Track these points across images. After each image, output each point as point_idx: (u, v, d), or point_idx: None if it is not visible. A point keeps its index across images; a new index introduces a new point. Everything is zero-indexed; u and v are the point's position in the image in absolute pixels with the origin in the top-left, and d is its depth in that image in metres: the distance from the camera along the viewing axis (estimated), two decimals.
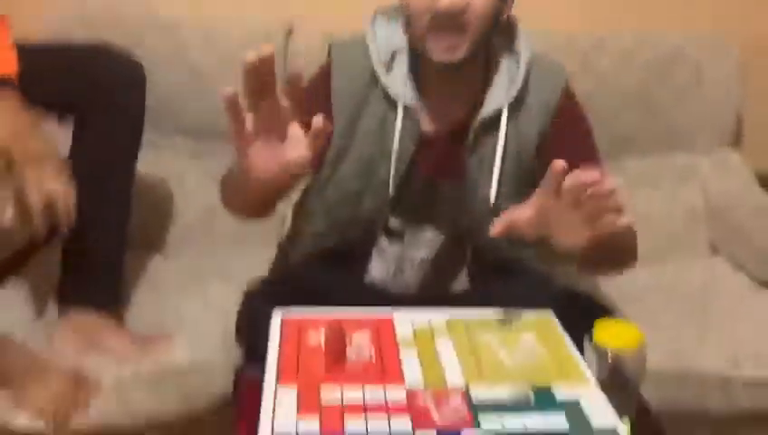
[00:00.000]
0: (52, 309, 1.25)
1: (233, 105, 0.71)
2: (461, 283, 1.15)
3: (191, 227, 1.54)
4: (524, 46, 1.04)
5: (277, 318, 0.89)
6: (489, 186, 1.04)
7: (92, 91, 1.17)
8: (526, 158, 1.05)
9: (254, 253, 1.47)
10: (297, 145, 0.76)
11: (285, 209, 1.54)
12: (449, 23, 0.91)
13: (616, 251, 0.97)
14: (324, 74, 1.06)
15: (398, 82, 1.02)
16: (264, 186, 0.80)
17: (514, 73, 1.03)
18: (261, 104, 0.73)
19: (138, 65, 1.25)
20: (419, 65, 1.03)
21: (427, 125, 1.05)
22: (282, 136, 0.76)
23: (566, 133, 1.04)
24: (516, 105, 1.03)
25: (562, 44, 1.58)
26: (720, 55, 1.63)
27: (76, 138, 1.21)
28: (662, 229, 1.60)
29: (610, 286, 1.44)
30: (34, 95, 1.08)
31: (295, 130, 0.76)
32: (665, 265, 1.55)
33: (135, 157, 1.26)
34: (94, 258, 1.22)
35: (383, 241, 1.11)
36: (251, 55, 0.69)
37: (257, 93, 0.72)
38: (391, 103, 1.03)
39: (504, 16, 1.00)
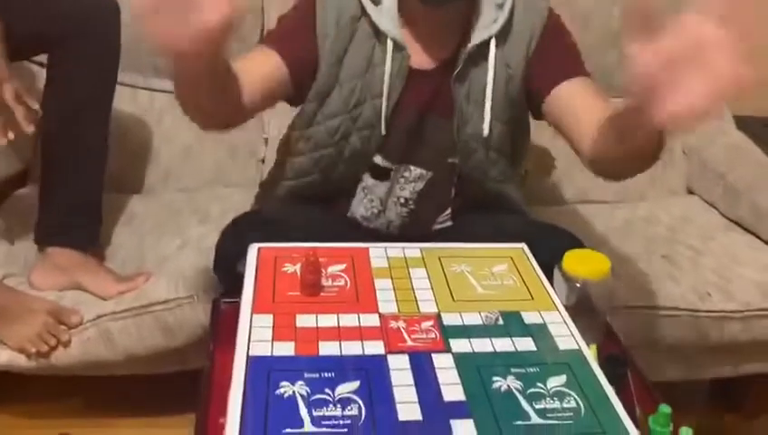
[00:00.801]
0: (31, 247, 1.25)
1: None
2: (443, 220, 1.16)
3: (169, 167, 1.54)
4: None
5: (254, 250, 0.89)
6: (478, 117, 1.05)
7: (64, 26, 1.15)
8: (513, 87, 1.06)
9: (233, 193, 1.48)
10: (214, 7, 0.62)
11: (266, 150, 1.55)
12: None
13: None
14: (309, 4, 1.04)
15: (387, 16, 1.01)
16: (186, 63, 0.70)
17: (500, 3, 1.03)
18: None
19: (111, 1, 1.20)
20: (408, 1, 1.02)
21: (415, 60, 1.04)
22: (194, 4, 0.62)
23: (551, 52, 1.04)
24: (503, 35, 1.03)
25: None
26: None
27: (50, 76, 1.19)
28: None
29: (586, 223, 1.47)
30: (8, 36, 1.06)
31: None
32: (640, 204, 1.58)
33: (111, 91, 1.24)
34: (72, 197, 1.21)
35: (368, 179, 1.11)
36: None
37: None
38: (379, 37, 1.02)
39: None
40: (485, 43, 1.02)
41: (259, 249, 0.89)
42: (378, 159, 1.09)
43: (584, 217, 1.51)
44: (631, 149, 0.82)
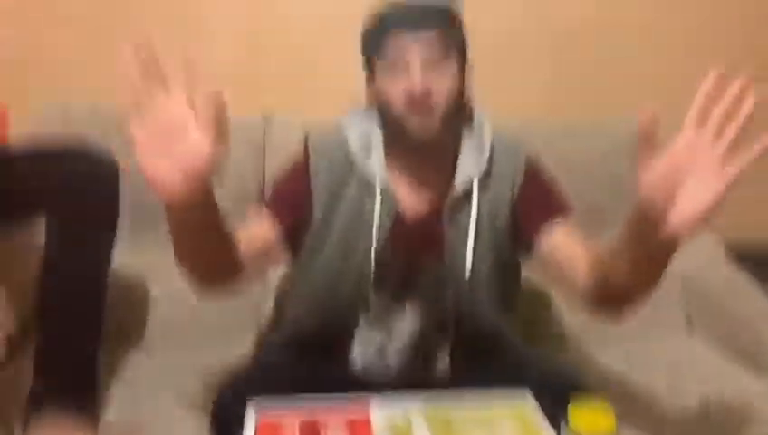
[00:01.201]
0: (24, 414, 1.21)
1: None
2: (443, 364, 1.16)
3: (169, 321, 1.53)
4: (484, 123, 1.11)
5: (251, 414, 0.87)
6: (465, 258, 1.08)
7: (64, 191, 1.18)
8: (500, 225, 1.10)
9: (232, 346, 1.46)
10: (197, 144, 0.72)
11: (264, 299, 1.56)
12: (421, 105, 1.00)
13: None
14: (302, 165, 1.11)
15: (376, 166, 1.08)
16: (179, 208, 0.77)
17: (480, 148, 1.10)
18: (154, 104, 0.73)
19: (112, 163, 1.25)
20: (393, 149, 1.10)
21: (404, 205, 1.09)
22: (180, 141, 0.72)
23: (534, 195, 1.10)
24: (485, 177, 1.09)
25: (524, 132, 1.63)
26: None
27: (49, 238, 1.21)
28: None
29: (587, 363, 1.45)
30: (7, 198, 1.09)
31: (194, 131, 0.73)
32: (641, 342, 1.55)
33: (109, 255, 1.26)
34: (68, 360, 1.20)
35: (364, 325, 1.12)
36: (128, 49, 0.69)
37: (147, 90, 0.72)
38: (368, 186, 1.08)
39: (465, 99, 1.07)
40: (469, 186, 1.08)
41: (256, 414, 0.87)
42: (373, 304, 1.11)
43: (585, 355, 1.49)
44: (634, 268, 0.90)
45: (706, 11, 1.82)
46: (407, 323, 1.13)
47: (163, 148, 0.73)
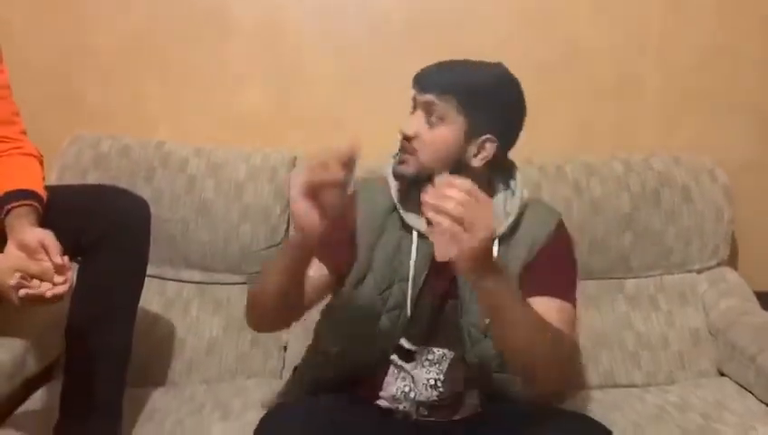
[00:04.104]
0: None
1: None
2: (472, 402, 1.19)
3: (193, 359, 1.54)
4: (520, 187, 1.16)
5: None
6: (478, 308, 1.11)
7: (97, 232, 1.20)
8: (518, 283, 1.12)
9: (254, 385, 1.47)
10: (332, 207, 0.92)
11: (289, 337, 1.56)
12: (405, 144, 1.10)
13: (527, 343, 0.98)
14: (349, 205, 1.18)
15: (413, 210, 1.14)
16: (302, 248, 0.98)
17: (507, 211, 1.15)
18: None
19: (143, 204, 1.28)
20: None
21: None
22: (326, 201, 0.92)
23: (545, 266, 1.13)
24: (507, 237, 1.14)
25: (554, 173, 1.65)
26: (707, 178, 1.69)
27: (80, 277, 1.23)
28: (664, 351, 1.60)
29: (615, 410, 1.42)
30: None
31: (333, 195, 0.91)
32: (670, 388, 1.53)
33: (137, 296, 1.28)
34: (93, 399, 1.21)
35: (396, 362, 1.16)
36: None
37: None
38: (407, 230, 1.15)
39: (477, 162, 1.11)
40: None
41: None
42: (403, 341, 1.16)
43: (613, 403, 1.46)
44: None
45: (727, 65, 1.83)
46: (434, 362, 1.16)
47: (311, 200, 0.92)
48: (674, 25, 1.80)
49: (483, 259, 0.88)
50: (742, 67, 1.82)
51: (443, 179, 0.87)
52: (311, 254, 1.02)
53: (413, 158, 1.10)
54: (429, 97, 1.08)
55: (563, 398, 1.42)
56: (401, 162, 1.11)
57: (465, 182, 0.86)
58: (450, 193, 0.85)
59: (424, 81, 1.10)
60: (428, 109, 1.09)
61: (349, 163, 0.91)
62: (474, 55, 1.13)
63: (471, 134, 1.09)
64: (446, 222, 0.84)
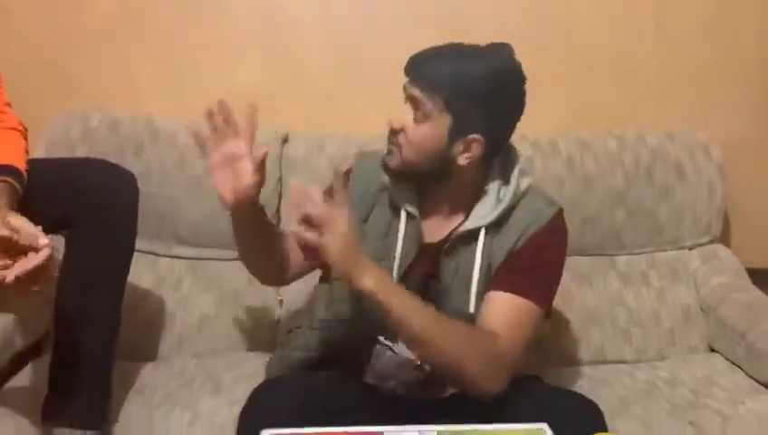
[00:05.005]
0: (37, 426, 1.22)
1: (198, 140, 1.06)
2: None
3: (184, 335, 1.54)
4: (517, 178, 1.13)
5: None
6: (460, 293, 1.12)
7: (84, 206, 1.19)
8: (494, 265, 1.12)
9: (246, 359, 1.47)
10: (246, 172, 1.03)
11: (281, 311, 1.57)
12: (391, 137, 1.10)
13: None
14: (345, 178, 1.17)
15: (406, 193, 1.15)
16: (233, 212, 1.08)
17: (502, 199, 1.12)
18: (222, 143, 1.04)
19: (130, 178, 1.27)
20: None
21: (426, 233, 1.15)
22: (238, 170, 1.03)
23: (524, 261, 1.11)
24: (497, 225, 1.12)
25: (548, 148, 1.64)
26: (701, 154, 1.68)
27: (68, 251, 1.22)
28: (655, 327, 1.60)
29: (606, 386, 1.43)
30: (27, 211, 1.11)
31: (245, 164, 1.03)
32: (660, 364, 1.54)
33: (126, 270, 1.27)
34: (82, 374, 1.21)
35: (383, 341, 1.15)
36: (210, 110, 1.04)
37: (218, 134, 1.04)
38: (396, 211, 1.15)
39: (463, 160, 1.08)
40: (477, 230, 1.11)
41: None
42: None
43: (603, 379, 1.47)
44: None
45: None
46: None
47: (226, 171, 1.04)
48: (671, 1, 1.78)
49: (348, 256, 0.96)
50: (739, 43, 1.81)
51: (294, 188, 0.98)
52: (250, 216, 1.10)
53: (396, 150, 1.09)
54: (416, 92, 1.06)
55: (553, 374, 1.43)
56: (388, 152, 1.11)
57: (312, 190, 0.96)
58: (300, 200, 0.95)
59: (413, 71, 1.07)
60: (415, 103, 1.07)
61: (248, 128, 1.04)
62: (469, 31, 1.11)
63: (457, 133, 1.06)
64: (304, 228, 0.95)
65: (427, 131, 1.06)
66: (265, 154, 1.02)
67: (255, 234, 1.15)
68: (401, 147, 1.08)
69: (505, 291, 1.08)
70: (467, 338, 1.03)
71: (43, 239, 0.98)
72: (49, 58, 1.74)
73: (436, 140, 1.07)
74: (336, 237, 0.94)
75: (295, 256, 1.21)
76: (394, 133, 1.09)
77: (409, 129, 1.07)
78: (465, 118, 1.05)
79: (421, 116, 1.06)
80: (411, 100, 1.07)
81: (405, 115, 1.08)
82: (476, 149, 1.08)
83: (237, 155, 1.04)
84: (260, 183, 1.04)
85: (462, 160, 1.08)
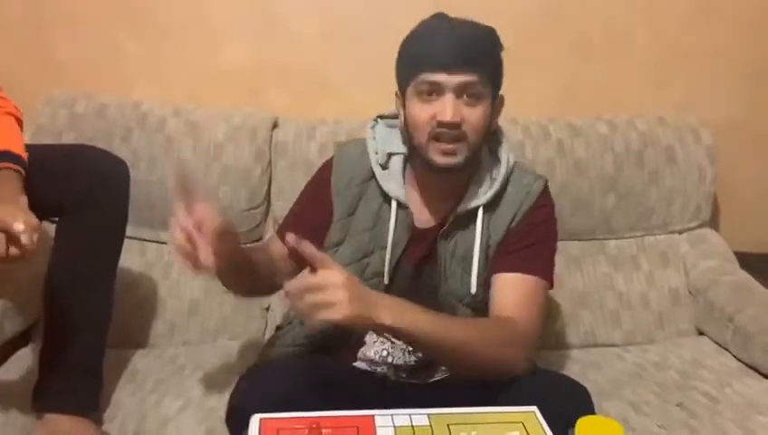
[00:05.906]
0: (27, 412, 1.22)
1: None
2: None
3: (174, 321, 1.54)
4: (506, 154, 1.15)
5: (255, 422, 0.87)
6: (459, 275, 1.12)
7: (75, 193, 1.18)
8: (492, 251, 1.13)
9: (236, 346, 1.47)
10: (206, 253, 0.92)
11: (271, 298, 1.56)
12: (449, 133, 1.04)
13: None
14: (327, 170, 1.19)
15: (393, 180, 1.14)
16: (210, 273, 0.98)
17: (495, 177, 1.13)
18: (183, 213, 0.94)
19: (120, 164, 1.26)
20: (414, 168, 1.15)
21: (417, 219, 1.15)
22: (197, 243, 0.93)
23: (522, 239, 1.12)
24: (492, 204, 1.13)
25: (539, 133, 1.63)
26: (691, 138, 1.68)
27: (58, 238, 1.22)
28: (645, 310, 1.61)
29: (595, 369, 1.44)
30: None
31: (205, 245, 0.93)
32: (649, 347, 1.55)
33: (117, 257, 1.27)
34: (73, 360, 1.20)
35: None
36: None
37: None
38: (386, 199, 1.15)
39: (492, 127, 1.11)
40: (474, 210, 1.12)
41: (261, 421, 0.87)
42: None
43: (592, 362, 1.48)
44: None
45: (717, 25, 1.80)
46: None
47: (188, 243, 0.93)
48: None
49: (358, 307, 0.88)
50: (729, 26, 1.80)
51: (288, 287, 0.89)
52: (227, 271, 1.04)
53: (461, 144, 1.05)
54: (468, 78, 1.02)
55: (543, 357, 1.44)
56: (447, 153, 1.05)
57: (307, 277, 0.89)
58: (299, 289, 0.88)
59: (451, 62, 1.03)
60: (464, 89, 1.03)
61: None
62: (460, 8, 1.09)
63: (494, 98, 1.09)
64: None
65: (485, 111, 1.07)
66: (229, 226, 0.96)
67: (239, 276, 1.10)
68: (467, 137, 1.05)
69: (511, 272, 1.09)
70: (492, 334, 1.03)
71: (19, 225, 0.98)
72: (31, 39, 1.72)
73: (488, 115, 1.08)
74: (338, 294, 0.87)
75: (284, 264, 1.16)
76: (455, 127, 1.04)
77: (468, 115, 1.04)
78: (496, 82, 1.08)
79: (474, 99, 1.05)
80: (458, 87, 1.03)
81: (452, 104, 1.03)
82: (500, 108, 1.11)
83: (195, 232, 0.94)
84: (225, 256, 0.95)
85: (494, 125, 1.11)
